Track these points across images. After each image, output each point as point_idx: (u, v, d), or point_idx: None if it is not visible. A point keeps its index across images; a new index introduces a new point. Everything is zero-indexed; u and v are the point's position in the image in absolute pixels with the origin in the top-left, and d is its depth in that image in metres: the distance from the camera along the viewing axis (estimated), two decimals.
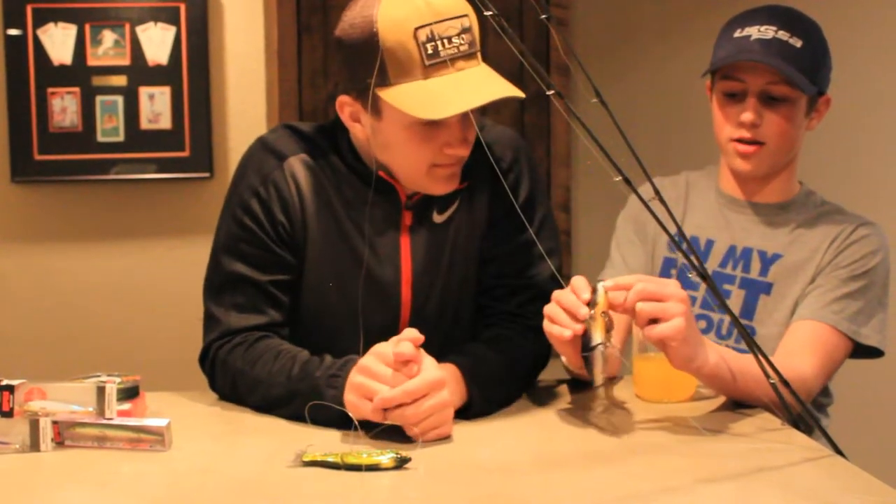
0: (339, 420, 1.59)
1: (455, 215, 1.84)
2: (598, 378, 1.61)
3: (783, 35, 1.93)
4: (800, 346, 1.88)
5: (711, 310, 2.01)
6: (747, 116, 1.96)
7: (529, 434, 1.65)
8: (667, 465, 1.50)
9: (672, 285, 1.61)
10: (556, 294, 1.62)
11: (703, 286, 2.02)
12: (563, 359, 1.70)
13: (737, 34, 1.96)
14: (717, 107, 2.01)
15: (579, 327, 1.58)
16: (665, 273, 2.08)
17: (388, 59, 1.62)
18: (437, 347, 1.64)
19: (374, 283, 1.81)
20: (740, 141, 1.99)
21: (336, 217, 1.80)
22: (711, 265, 2.04)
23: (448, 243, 1.84)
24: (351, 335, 1.70)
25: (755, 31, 1.95)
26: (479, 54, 1.68)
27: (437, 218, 1.83)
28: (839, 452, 1.55)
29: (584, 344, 1.59)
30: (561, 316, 1.60)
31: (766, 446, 1.58)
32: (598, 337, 1.58)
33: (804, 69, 1.93)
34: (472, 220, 1.85)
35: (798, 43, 1.93)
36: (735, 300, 2.00)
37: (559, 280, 1.70)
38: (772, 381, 1.59)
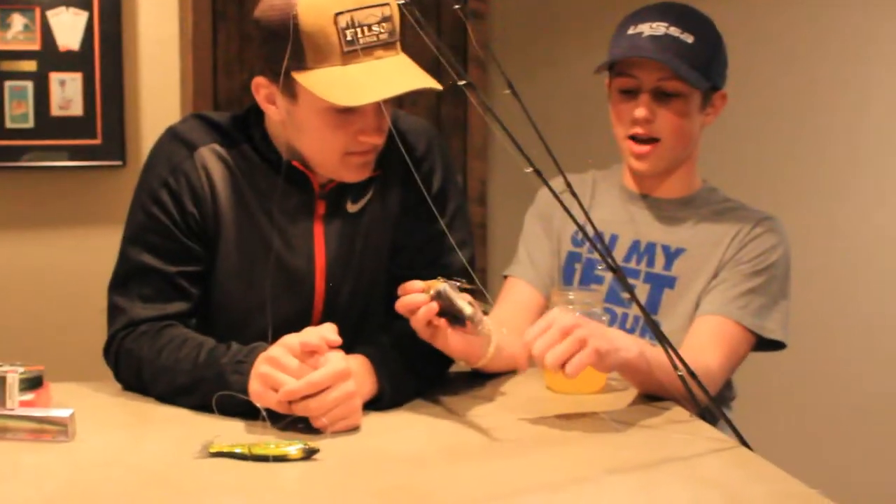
0: (247, 410, 1.57)
1: (368, 205, 1.83)
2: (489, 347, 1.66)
3: (675, 31, 1.95)
4: (705, 341, 1.89)
5: (619, 303, 2.03)
6: (640, 112, 1.97)
7: (439, 425, 1.65)
8: (575, 456, 1.51)
9: (555, 319, 1.62)
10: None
11: (607, 280, 2.04)
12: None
13: (630, 31, 1.98)
14: (612, 104, 2.03)
15: (424, 298, 1.62)
16: (569, 268, 2.09)
17: (307, 43, 1.61)
18: (349, 338, 1.64)
19: (287, 273, 1.79)
20: (635, 139, 2.00)
21: (248, 207, 1.78)
22: (616, 260, 2.02)
23: (361, 233, 1.83)
24: (262, 326, 1.68)
25: (647, 28, 1.96)
26: (398, 44, 1.68)
27: (351, 207, 1.83)
28: (744, 443, 1.57)
29: (454, 318, 1.62)
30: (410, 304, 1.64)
31: (673, 437, 1.60)
32: (465, 307, 1.61)
33: (696, 65, 1.95)
34: (385, 209, 1.85)
35: (690, 38, 1.95)
36: (640, 294, 2.01)
37: (470, 272, 1.70)
38: (679, 374, 1.61)
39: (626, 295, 1.65)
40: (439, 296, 1.61)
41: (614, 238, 2.07)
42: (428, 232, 1.83)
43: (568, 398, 1.80)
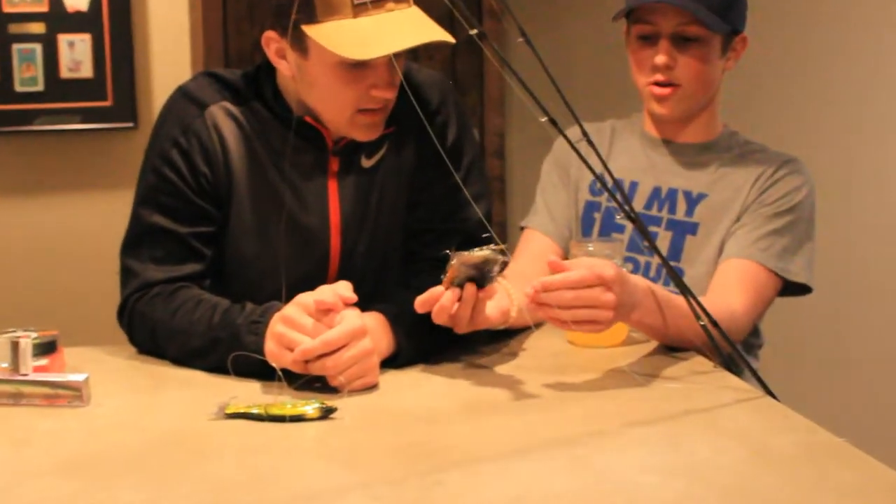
0: (262, 370, 1.58)
1: (383, 160, 1.83)
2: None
3: None
4: (729, 285, 1.89)
5: (640, 252, 2.02)
6: (660, 59, 1.96)
7: (457, 382, 1.65)
8: (597, 410, 1.51)
9: (579, 271, 1.58)
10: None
11: (628, 229, 2.03)
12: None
13: None
14: (632, 52, 2.02)
15: (441, 289, 1.59)
16: (588, 217, 2.08)
17: None
18: (365, 296, 1.64)
19: (301, 232, 1.79)
20: (656, 84, 1.99)
21: (261, 165, 1.78)
22: (637, 207, 2.04)
23: (376, 188, 1.83)
24: (277, 285, 1.66)
25: None
26: None
27: (365, 163, 1.82)
28: (769, 393, 1.56)
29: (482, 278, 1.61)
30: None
31: (696, 389, 1.59)
32: (483, 252, 1.58)
33: (716, 8, 1.94)
34: (400, 164, 1.84)
35: None
36: (662, 242, 2.01)
37: (487, 225, 1.69)
38: (702, 323, 1.60)
39: (646, 243, 1.63)
40: (457, 268, 1.59)
41: (634, 185, 2.06)
42: (444, 186, 1.82)
43: (589, 352, 1.79)
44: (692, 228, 2.01)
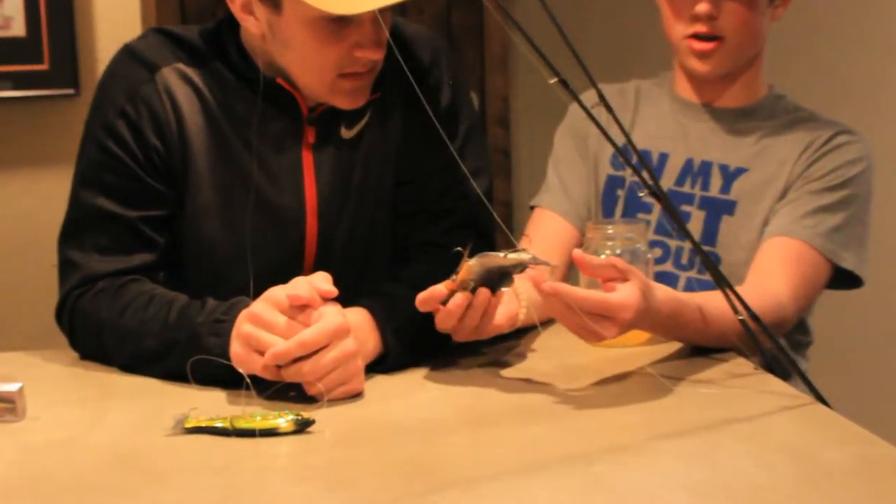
0: (227, 377, 1.58)
1: (366, 130, 1.83)
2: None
3: None
4: (770, 268, 1.90)
5: (669, 236, 2.03)
6: (702, 7, 1.96)
7: (456, 387, 1.65)
8: (618, 420, 1.51)
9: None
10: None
11: (656, 208, 2.04)
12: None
13: None
14: (666, 1, 2.02)
15: (443, 288, 1.60)
16: (610, 195, 2.09)
17: None
18: (347, 289, 1.64)
19: (272, 214, 1.79)
20: (696, 37, 1.99)
21: (223, 137, 1.78)
22: (666, 183, 2.05)
23: (359, 163, 1.83)
24: (243, 277, 1.68)
25: None
26: None
27: (346, 133, 1.82)
28: (820, 399, 1.56)
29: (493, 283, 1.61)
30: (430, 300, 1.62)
31: (735, 394, 1.60)
32: (515, 255, 1.58)
33: None
34: (385, 134, 1.84)
35: None
36: (694, 223, 2.02)
37: (487, 205, 1.70)
38: (741, 317, 1.60)
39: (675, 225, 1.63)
40: (474, 271, 1.59)
41: (664, 157, 2.07)
42: (437, 159, 1.82)
43: (609, 352, 1.79)
44: (729, 208, 2.01)
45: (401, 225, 1.88)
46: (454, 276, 1.60)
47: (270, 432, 1.44)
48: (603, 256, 1.76)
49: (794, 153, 2.00)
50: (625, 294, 1.57)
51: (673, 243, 2.03)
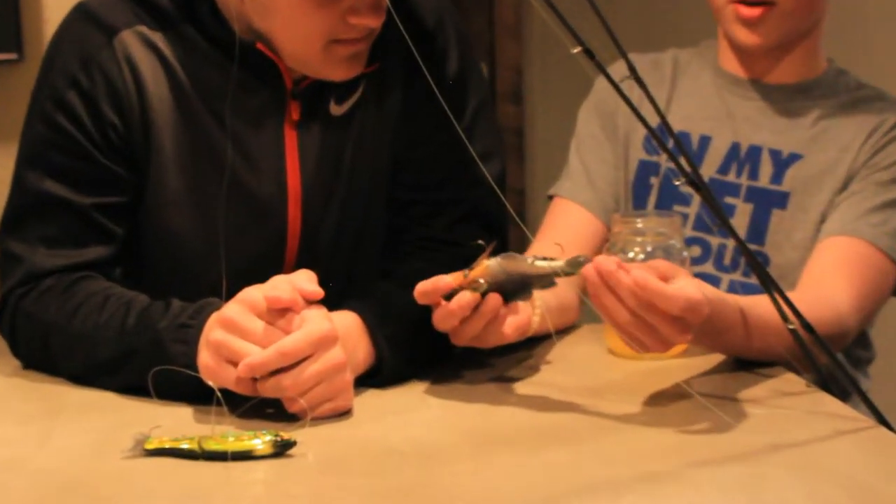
0: (195, 391, 1.57)
1: (359, 106, 1.84)
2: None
3: None
4: (829, 271, 1.90)
5: (709, 232, 2.03)
6: None
7: (460, 404, 1.66)
8: (648, 445, 1.51)
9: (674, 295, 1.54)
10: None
11: (696, 200, 2.04)
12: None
13: None
14: None
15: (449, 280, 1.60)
16: (642, 184, 2.10)
17: None
18: (335, 289, 1.65)
19: (248, 201, 1.80)
20: (742, 1, 1.99)
21: (192, 111, 1.78)
22: (707, 171, 2.06)
23: (350, 144, 1.84)
24: (214, 275, 1.67)
25: None
26: None
27: (336, 109, 1.83)
28: (883, 422, 1.56)
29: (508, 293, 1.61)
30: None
31: (784, 416, 1.60)
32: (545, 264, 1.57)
33: None
34: (381, 111, 1.85)
35: None
36: (740, 218, 2.02)
37: (499, 193, 1.70)
38: (792, 327, 1.60)
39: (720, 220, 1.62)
40: (493, 272, 1.59)
41: (706, 140, 2.07)
42: (441, 140, 1.83)
43: (638, 366, 1.80)
44: (780, 200, 2.02)
45: (397, 217, 1.89)
46: (467, 271, 1.60)
47: (244, 455, 1.44)
48: (630, 255, 1.78)
49: (859, 138, 2.00)
50: (692, 290, 1.54)
51: (714, 241, 2.04)
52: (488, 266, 1.59)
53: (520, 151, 3.76)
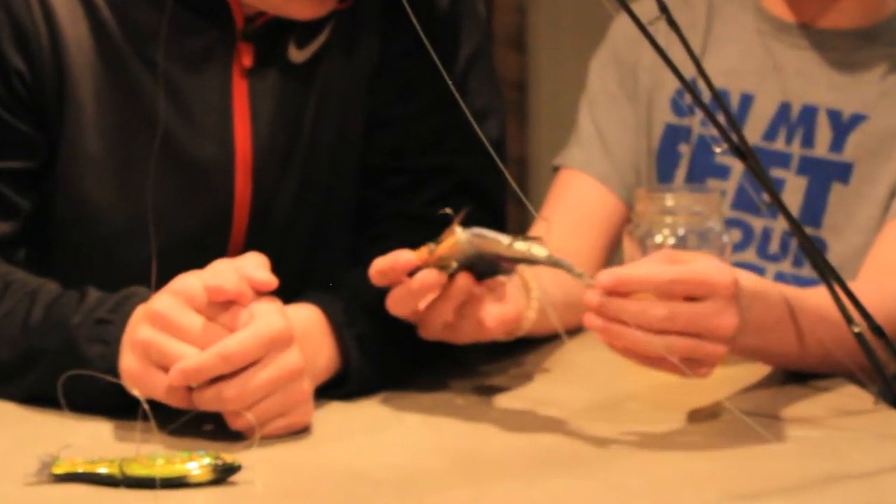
0: (115, 401, 1.56)
1: (326, 51, 1.83)
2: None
3: None
4: None
5: (754, 212, 2.04)
6: None
7: (445, 422, 1.65)
8: (674, 474, 1.50)
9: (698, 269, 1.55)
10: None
11: (735, 172, 2.05)
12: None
13: None
14: None
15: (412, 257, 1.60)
16: (669, 152, 2.10)
17: None
18: (293, 277, 1.67)
19: (186, 167, 1.79)
20: None
21: (118, 58, 1.77)
22: (751, 137, 2.04)
23: (314, 97, 1.84)
24: (142, 258, 1.67)
25: None
26: None
27: (296, 55, 1.82)
28: None
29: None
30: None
31: (847, 440, 1.59)
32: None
33: None
34: (353, 59, 1.85)
35: None
36: (792, 195, 2.02)
37: (497, 161, 1.69)
38: (857, 330, 1.58)
39: (765, 197, 1.61)
40: (461, 246, 1.58)
41: (747, 99, 2.08)
42: (426, 95, 1.84)
43: (655, 375, 1.73)
44: (842, 172, 2.02)
45: (371, 189, 1.89)
46: (433, 246, 1.59)
47: (177, 482, 1.42)
48: (658, 239, 1.78)
49: None
50: (708, 262, 1.56)
51: (758, 223, 2.05)
52: (458, 241, 1.57)
53: (522, 111, 3.76)
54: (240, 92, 1.80)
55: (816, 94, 2.05)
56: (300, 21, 1.75)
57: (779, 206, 1.60)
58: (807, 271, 1.90)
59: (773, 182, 1.98)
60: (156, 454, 1.43)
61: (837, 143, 2.03)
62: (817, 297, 1.64)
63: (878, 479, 1.46)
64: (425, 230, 1.79)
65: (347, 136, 1.86)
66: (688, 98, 1.99)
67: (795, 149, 2.04)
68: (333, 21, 1.81)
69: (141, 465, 1.42)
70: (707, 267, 1.55)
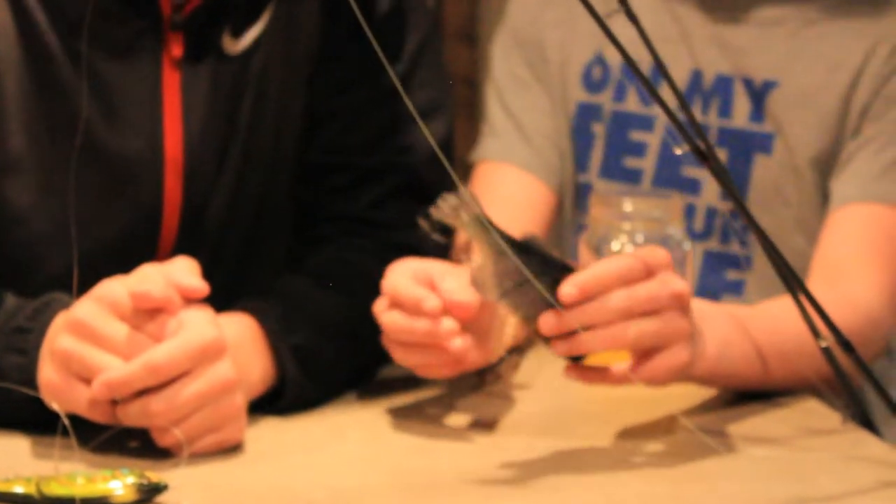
0: (33, 416, 1.54)
1: (263, 42, 1.81)
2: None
3: None
4: (851, 254, 1.90)
5: (674, 189, 2.03)
6: None
7: (390, 439, 1.65)
8: (635, 495, 1.49)
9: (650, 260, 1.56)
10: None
11: (651, 151, 2.06)
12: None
13: None
14: None
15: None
16: (582, 131, 2.11)
17: None
18: (226, 284, 1.68)
19: (111, 164, 1.76)
20: None
21: (41, 49, 1.75)
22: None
23: (250, 90, 1.82)
24: (64, 261, 1.65)
25: None
26: None
27: (231, 45, 1.80)
28: None
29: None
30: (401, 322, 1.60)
31: (812, 461, 1.59)
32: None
33: None
34: (292, 49, 1.84)
35: None
36: (710, 180, 2.00)
37: (444, 161, 1.65)
38: (823, 345, 1.57)
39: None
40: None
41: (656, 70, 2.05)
42: (370, 89, 1.84)
43: (622, 392, 1.73)
44: (764, 143, 2.03)
45: (311, 189, 1.88)
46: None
47: (99, 503, 1.40)
48: (616, 247, 1.77)
49: (856, 55, 2.00)
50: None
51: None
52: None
53: (471, 108, 3.74)
54: (170, 85, 1.78)
55: (729, 59, 2.05)
56: (228, 5, 1.75)
57: (739, 208, 1.61)
58: (734, 247, 1.93)
59: (734, 183, 1.96)
60: (76, 472, 1.43)
61: (757, 112, 2.03)
62: (772, 310, 1.67)
63: (843, 503, 1.46)
64: (368, 233, 1.83)
65: (286, 133, 1.85)
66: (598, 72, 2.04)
67: (713, 120, 2.04)
68: (271, 8, 1.80)
69: (60, 484, 1.40)
70: (646, 249, 1.60)
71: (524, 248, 1.53)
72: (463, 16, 3.79)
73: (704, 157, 1.56)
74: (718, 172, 1.60)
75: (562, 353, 1.54)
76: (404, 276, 1.61)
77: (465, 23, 3.79)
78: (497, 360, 1.76)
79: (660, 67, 1.65)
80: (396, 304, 1.60)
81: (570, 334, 1.53)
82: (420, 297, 1.58)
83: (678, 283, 1.55)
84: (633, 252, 1.57)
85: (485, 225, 1.53)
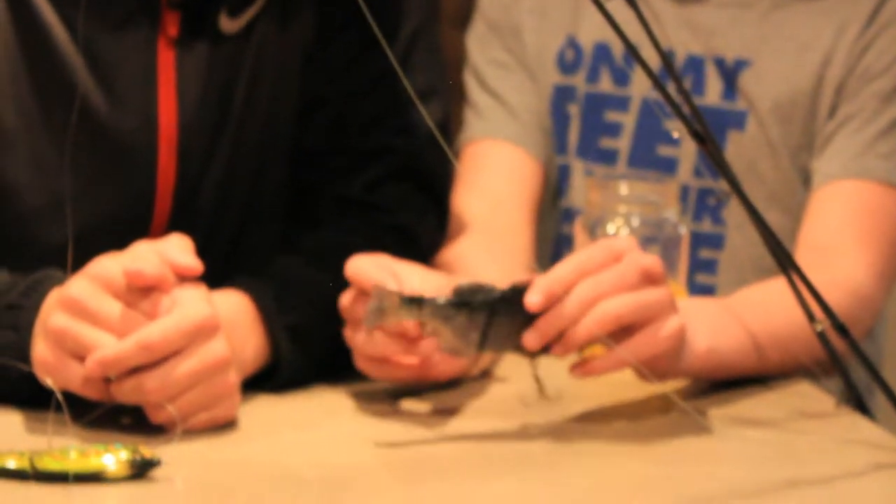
0: (27, 392, 1.55)
1: (260, 22, 1.82)
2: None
3: None
4: (836, 233, 1.91)
5: (648, 168, 2.06)
6: None
7: (380, 418, 1.65)
8: (625, 474, 1.51)
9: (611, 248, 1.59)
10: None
11: (626, 130, 2.06)
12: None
13: None
14: None
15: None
16: (558, 113, 2.11)
17: None
18: (220, 262, 1.70)
19: (106, 142, 1.77)
20: None
21: (36, 24, 1.75)
22: (640, 88, 2.08)
23: (246, 70, 1.82)
24: (58, 239, 1.66)
25: None
26: None
27: (228, 25, 1.80)
28: None
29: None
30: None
31: (805, 443, 1.60)
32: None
33: None
34: (289, 30, 1.84)
35: None
36: (688, 144, 2.01)
37: (443, 143, 1.68)
38: (819, 328, 1.58)
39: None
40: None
41: (626, 55, 2.08)
42: (367, 72, 1.84)
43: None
44: (737, 120, 2.03)
45: (307, 171, 1.88)
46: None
47: (92, 477, 1.41)
48: (611, 230, 1.78)
49: (829, 32, 2.01)
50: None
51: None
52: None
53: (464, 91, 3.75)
54: (165, 63, 1.78)
55: (698, 41, 2.05)
56: None
57: (735, 191, 1.61)
58: (707, 225, 1.94)
59: (729, 166, 1.97)
60: (69, 447, 1.43)
61: (729, 92, 2.03)
62: (761, 295, 1.69)
63: (836, 486, 1.48)
64: (364, 215, 1.82)
65: (281, 114, 1.86)
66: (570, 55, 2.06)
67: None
68: None
69: (53, 458, 1.41)
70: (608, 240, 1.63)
71: (462, 298, 1.55)
72: (460, 1, 3.79)
73: (702, 139, 1.58)
74: (714, 154, 1.62)
75: (562, 354, 1.56)
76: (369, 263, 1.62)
77: (462, 9, 3.78)
78: (478, 371, 1.76)
79: (658, 50, 1.66)
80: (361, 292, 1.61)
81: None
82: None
83: (645, 259, 1.56)
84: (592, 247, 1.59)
85: (415, 300, 1.54)
